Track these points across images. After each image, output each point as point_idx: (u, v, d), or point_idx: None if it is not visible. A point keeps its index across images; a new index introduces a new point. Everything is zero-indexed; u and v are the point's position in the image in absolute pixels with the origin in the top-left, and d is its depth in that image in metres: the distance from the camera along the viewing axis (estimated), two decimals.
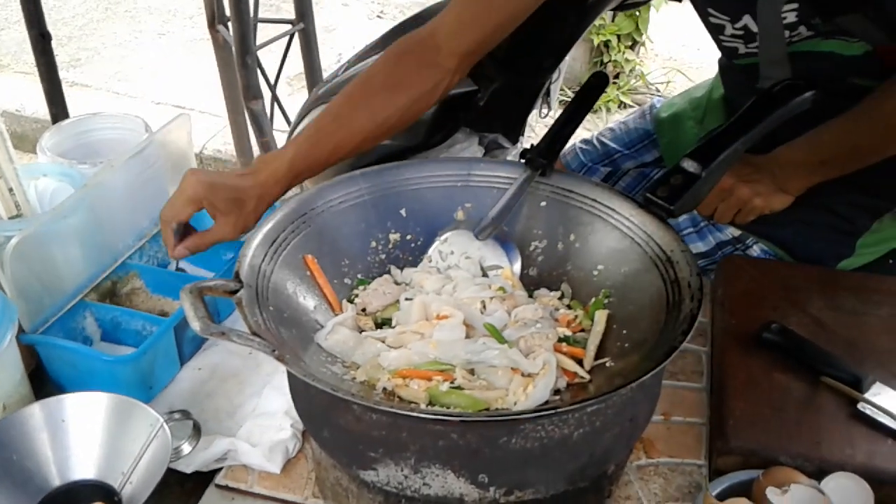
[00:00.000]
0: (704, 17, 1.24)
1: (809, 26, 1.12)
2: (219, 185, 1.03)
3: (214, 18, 2.44)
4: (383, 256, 1.06)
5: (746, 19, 1.16)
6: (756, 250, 1.36)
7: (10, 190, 1.14)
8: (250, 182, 1.05)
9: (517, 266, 1.05)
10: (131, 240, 1.23)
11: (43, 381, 1.12)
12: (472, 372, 0.88)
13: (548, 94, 1.78)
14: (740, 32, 1.19)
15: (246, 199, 1.04)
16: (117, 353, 1.13)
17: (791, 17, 1.12)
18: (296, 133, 1.58)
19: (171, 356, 1.12)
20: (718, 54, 1.45)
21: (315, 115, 1.63)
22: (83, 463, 0.95)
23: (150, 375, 1.09)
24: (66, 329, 1.12)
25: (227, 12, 2.19)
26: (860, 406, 0.98)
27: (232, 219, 1.04)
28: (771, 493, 0.85)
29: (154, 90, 3.83)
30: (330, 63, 3.74)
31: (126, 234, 1.22)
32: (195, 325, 0.78)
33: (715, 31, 1.24)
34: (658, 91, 3.84)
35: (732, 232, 1.37)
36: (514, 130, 1.72)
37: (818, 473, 0.89)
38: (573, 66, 3.72)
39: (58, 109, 2.20)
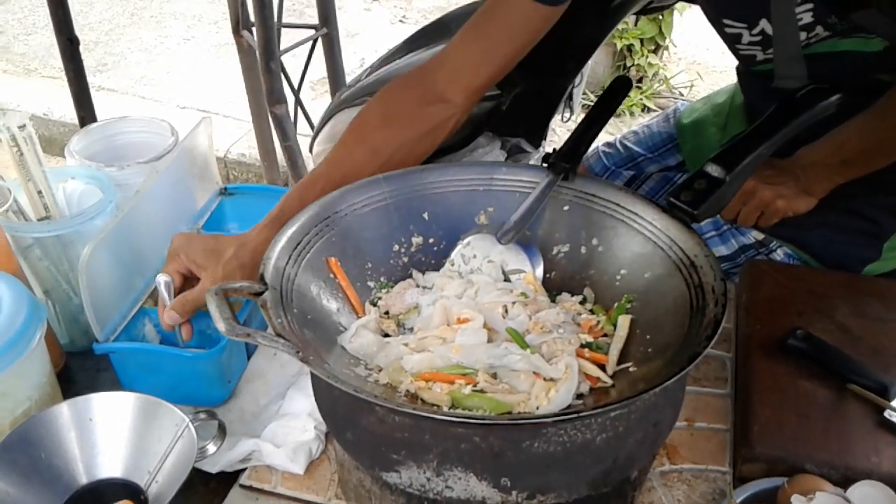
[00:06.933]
0: (720, 28, 1.22)
1: (826, 26, 1.11)
2: (196, 238, 1.06)
3: (239, 24, 2.46)
4: (406, 260, 1.06)
5: (763, 23, 1.15)
6: (780, 254, 1.35)
7: (39, 192, 1.16)
8: (230, 235, 1.06)
9: (539, 270, 1.05)
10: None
11: (71, 383, 1.14)
12: (494, 376, 0.88)
13: (570, 98, 1.78)
14: (758, 38, 1.18)
15: (222, 248, 1.04)
16: None
17: (807, 18, 1.11)
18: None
19: (240, 349, 1.14)
20: None
21: (339, 118, 1.65)
22: (110, 461, 0.96)
23: (228, 369, 1.11)
24: (129, 337, 1.11)
25: (252, 18, 2.21)
26: (887, 414, 0.97)
27: (209, 271, 1.02)
28: (796, 500, 0.84)
29: (179, 95, 3.87)
30: (353, 67, 3.76)
31: (165, 239, 1.23)
32: (221, 326, 0.79)
33: (732, 42, 1.23)
34: (682, 95, 3.82)
35: (755, 235, 1.35)
36: (537, 135, 1.72)
37: (844, 481, 0.88)
38: (596, 69, 3.72)
39: (86, 113, 2.23)
